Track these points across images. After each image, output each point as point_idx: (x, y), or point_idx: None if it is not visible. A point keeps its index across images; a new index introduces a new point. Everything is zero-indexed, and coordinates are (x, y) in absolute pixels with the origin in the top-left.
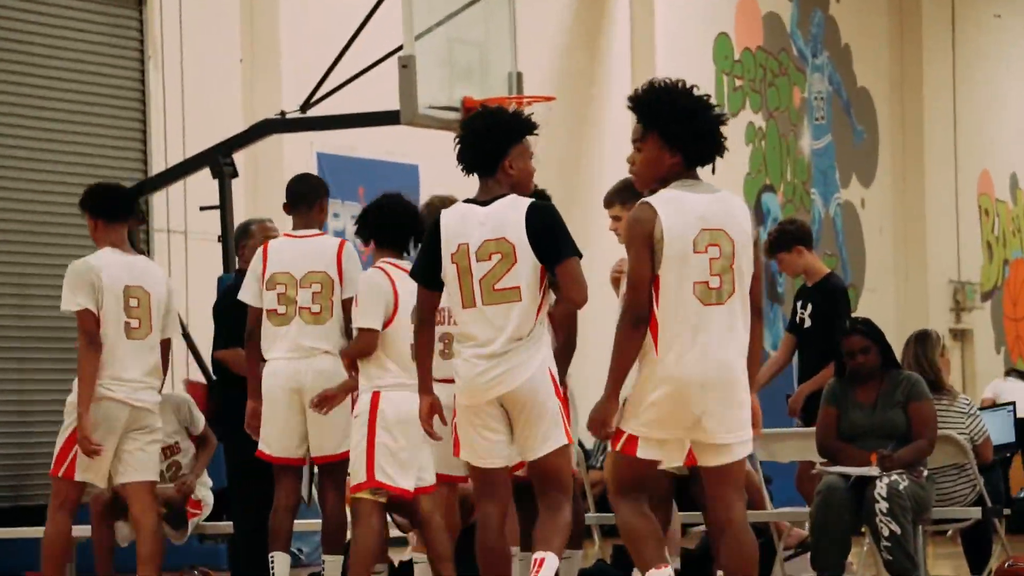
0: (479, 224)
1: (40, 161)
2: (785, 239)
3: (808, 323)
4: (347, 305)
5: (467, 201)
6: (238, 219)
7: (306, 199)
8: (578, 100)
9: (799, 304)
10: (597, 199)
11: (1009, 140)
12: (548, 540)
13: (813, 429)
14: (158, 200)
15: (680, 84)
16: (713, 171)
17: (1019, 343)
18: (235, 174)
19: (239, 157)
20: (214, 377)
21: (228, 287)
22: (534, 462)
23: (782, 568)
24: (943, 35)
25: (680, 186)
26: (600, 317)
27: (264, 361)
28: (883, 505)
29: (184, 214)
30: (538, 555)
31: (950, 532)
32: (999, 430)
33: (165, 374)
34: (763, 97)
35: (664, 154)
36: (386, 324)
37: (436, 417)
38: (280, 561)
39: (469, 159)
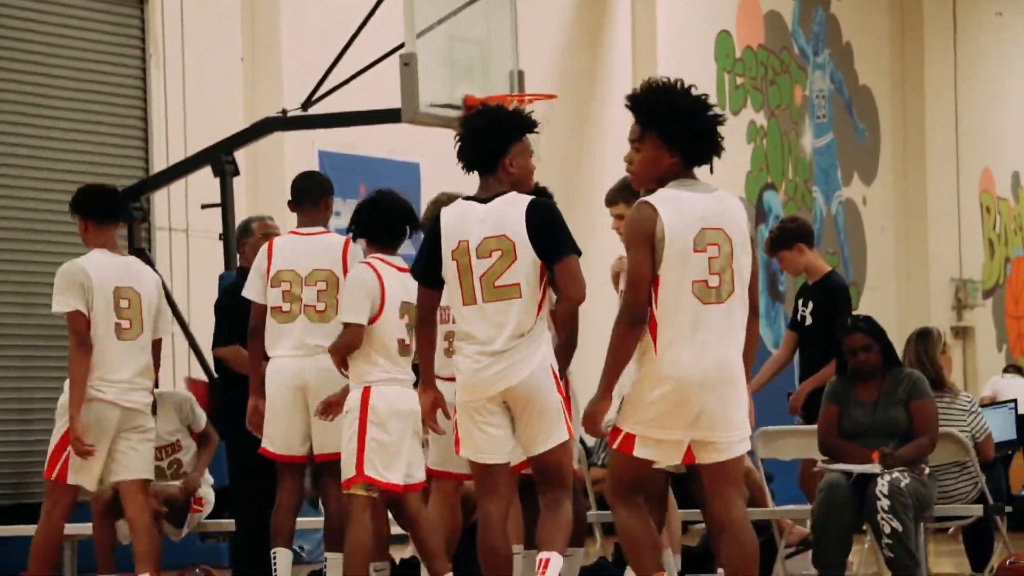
0: (479, 221)
1: (41, 159)
2: (786, 237)
3: (809, 321)
4: None
5: (467, 199)
6: (239, 217)
7: (311, 196)
8: (579, 98)
9: (800, 302)
10: (598, 197)
11: (1010, 138)
12: (551, 540)
13: (815, 427)
14: (159, 198)
15: (679, 84)
16: (711, 170)
17: (1020, 341)
18: (236, 172)
19: (240, 155)
20: (216, 375)
21: (229, 285)
22: (537, 458)
23: (783, 566)
24: (944, 33)
25: (678, 185)
26: (601, 315)
27: (267, 358)
28: (884, 503)
29: (185, 212)
30: (543, 555)
31: (952, 530)
32: (1000, 427)
33: (157, 374)
34: (764, 95)
35: (663, 154)
36: (373, 319)
37: (440, 412)
38: (282, 557)
39: (469, 157)
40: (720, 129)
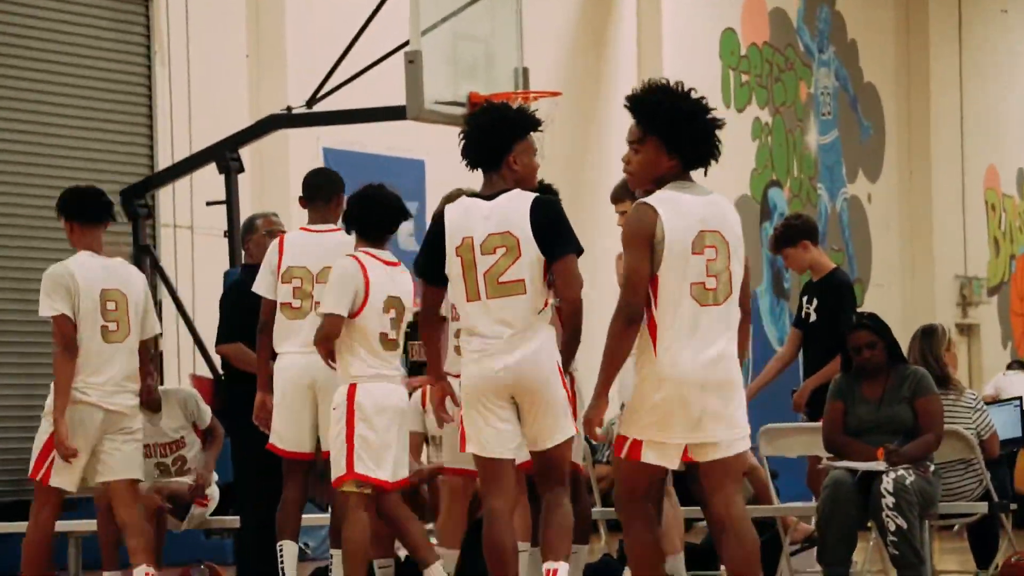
0: (483, 218)
1: (46, 157)
2: (791, 234)
3: (814, 318)
4: None
5: (471, 196)
6: (244, 214)
7: (322, 193)
8: (584, 96)
9: (805, 299)
10: (603, 194)
11: (1016, 135)
12: (557, 548)
13: (819, 424)
14: (164, 195)
15: (679, 86)
16: (705, 173)
17: None
18: (241, 169)
19: (245, 152)
20: (221, 372)
21: (233, 282)
22: (540, 453)
23: (788, 563)
24: (950, 30)
25: (676, 187)
26: (608, 312)
27: (275, 355)
28: (889, 500)
29: (190, 209)
30: (550, 566)
31: (956, 527)
32: (1005, 425)
33: (152, 371)
34: (769, 92)
35: (662, 156)
36: (356, 313)
37: (449, 401)
38: (288, 549)
39: (474, 154)
40: (719, 133)
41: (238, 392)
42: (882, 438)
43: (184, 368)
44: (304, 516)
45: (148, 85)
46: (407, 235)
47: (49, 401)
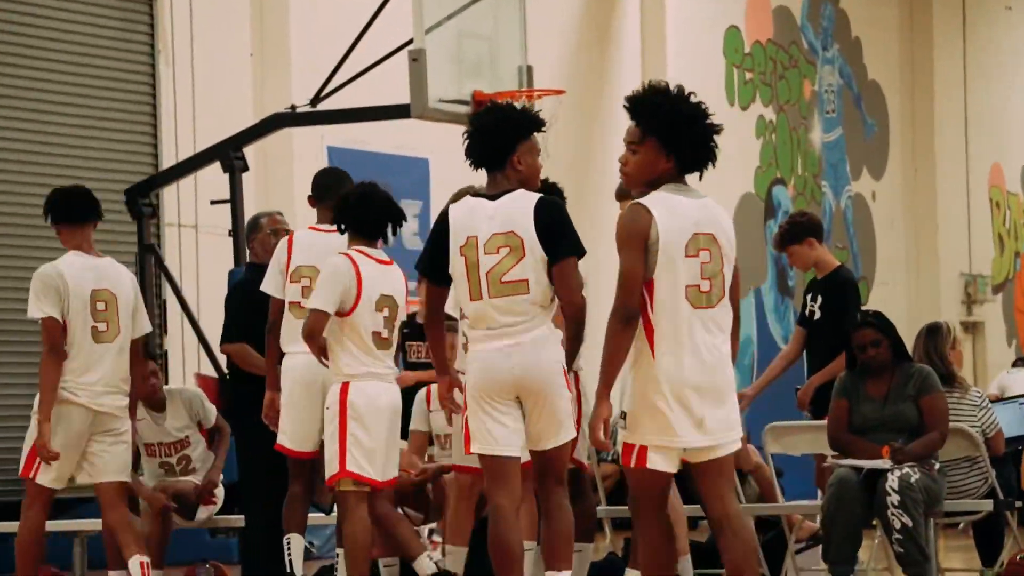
0: (488, 218)
1: (50, 156)
2: (795, 232)
3: (818, 315)
4: None
5: (475, 195)
6: (248, 213)
7: (332, 193)
8: (588, 94)
9: (809, 297)
10: (607, 193)
11: (1020, 133)
12: (560, 556)
13: (824, 422)
14: (169, 194)
15: (679, 89)
16: (700, 178)
17: None
18: (245, 168)
19: (249, 151)
20: (226, 372)
21: (238, 282)
22: (542, 453)
23: (793, 561)
24: (954, 28)
25: (671, 190)
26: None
27: (283, 354)
28: (895, 498)
29: (195, 208)
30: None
31: (962, 525)
32: (1011, 423)
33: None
34: (773, 90)
35: (660, 158)
36: (349, 311)
37: (456, 391)
38: (295, 541)
39: (478, 154)
40: (716, 138)
41: (243, 392)
42: (887, 436)
43: (189, 367)
44: (309, 515)
45: (152, 84)
46: (411, 234)
47: (36, 401)
